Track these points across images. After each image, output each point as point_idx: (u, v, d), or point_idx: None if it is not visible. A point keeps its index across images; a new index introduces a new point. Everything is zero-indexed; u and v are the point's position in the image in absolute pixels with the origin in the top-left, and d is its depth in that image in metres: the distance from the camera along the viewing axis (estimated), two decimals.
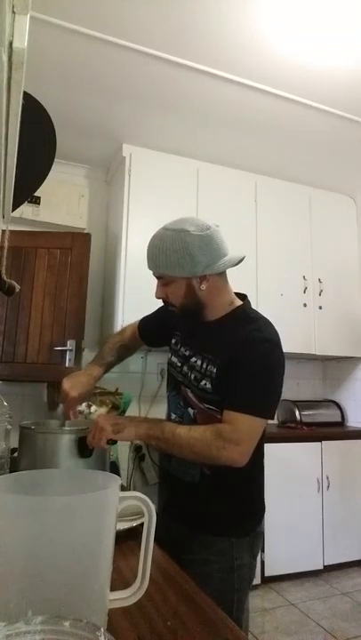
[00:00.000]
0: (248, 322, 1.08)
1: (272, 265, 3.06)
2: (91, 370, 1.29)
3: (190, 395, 1.12)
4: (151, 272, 1.12)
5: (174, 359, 1.21)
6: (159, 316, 1.34)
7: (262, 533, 1.15)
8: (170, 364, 1.23)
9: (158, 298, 1.14)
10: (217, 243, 1.05)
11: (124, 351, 1.38)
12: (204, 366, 1.08)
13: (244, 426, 0.98)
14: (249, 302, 1.17)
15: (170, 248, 1.03)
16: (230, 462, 0.98)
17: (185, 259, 1.02)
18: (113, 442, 1.03)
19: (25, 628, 0.35)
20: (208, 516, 1.09)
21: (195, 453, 0.99)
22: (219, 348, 1.07)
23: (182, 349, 1.19)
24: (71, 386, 1.19)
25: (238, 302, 1.15)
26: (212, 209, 2.90)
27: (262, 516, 1.16)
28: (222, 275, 1.11)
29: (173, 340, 1.23)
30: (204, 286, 1.07)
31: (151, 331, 1.36)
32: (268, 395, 1.02)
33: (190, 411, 1.12)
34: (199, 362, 1.11)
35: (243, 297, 1.18)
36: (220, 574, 1.04)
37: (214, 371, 1.06)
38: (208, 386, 1.06)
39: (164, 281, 1.10)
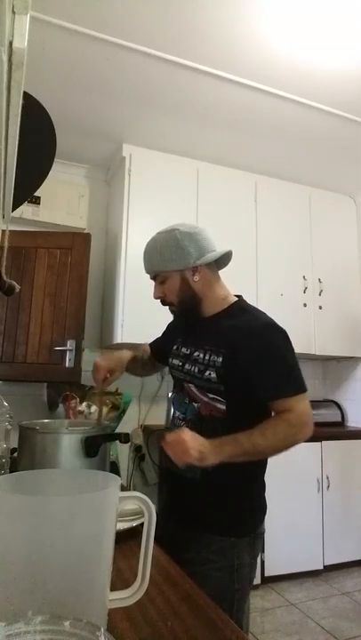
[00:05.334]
0: (244, 312, 1.16)
1: (272, 265, 3.06)
2: (121, 351, 1.38)
3: (194, 389, 1.16)
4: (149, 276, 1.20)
5: (175, 361, 1.25)
6: (164, 334, 1.44)
7: (263, 534, 1.16)
8: (171, 366, 1.28)
9: (156, 298, 1.21)
10: (205, 238, 1.17)
11: (146, 358, 1.44)
12: (207, 357, 1.13)
13: (300, 406, 1.07)
14: (244, 300, 1.24)
15: (163, 246, 1.15)
16: (305, 440, 1.06)
17: (177, 252, 1.13)
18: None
19: (25, 628, 0.35)
20: (208, 515, 1.09)
21: (277, 451, 1.05)
22: (220, 338, 1.12)
23: (183, 350, 1.24)
24: (102, 358, 1.30)
25: (233, 298, 1.22)
26: (212, 209, 2.90)
27: (263, 517, 1.16)
28: (213, 269, 1.20)
29: (174, 347, 1.29)
30: (197, 277, 1.16)
31: (161, 347, 1.41)
32: (296, 370, 1.10)
33: (195, 404, 1.15)
34: (201, 355, 1.15)
35: (238, 297, 1.25)
36: (220, 574, 1.04)
37: (220, 360, 1.10)
38: (213, 375, 1.10)
39: (160, 279, 1.18)
